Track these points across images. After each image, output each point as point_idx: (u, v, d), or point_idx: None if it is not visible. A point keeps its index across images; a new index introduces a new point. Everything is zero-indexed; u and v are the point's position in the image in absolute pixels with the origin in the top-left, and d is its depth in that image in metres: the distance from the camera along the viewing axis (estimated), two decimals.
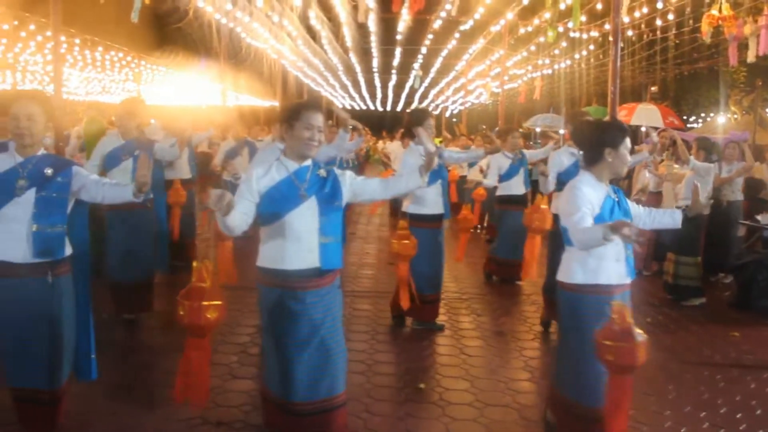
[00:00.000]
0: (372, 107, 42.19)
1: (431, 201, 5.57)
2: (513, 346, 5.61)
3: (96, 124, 6.63)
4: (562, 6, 10.06)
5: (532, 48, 16.68)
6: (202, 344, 3.15)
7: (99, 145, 5.46)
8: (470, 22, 14.50)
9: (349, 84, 29.30)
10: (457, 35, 16.83)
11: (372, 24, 13.99)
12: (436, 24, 14.88)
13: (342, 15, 13.96)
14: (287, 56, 19.44)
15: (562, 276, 3.54)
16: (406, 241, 5.34)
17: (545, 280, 5.87)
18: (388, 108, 42.20)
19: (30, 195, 3.39)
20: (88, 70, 21.63)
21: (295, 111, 3.26)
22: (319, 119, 3.26)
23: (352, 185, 3.42)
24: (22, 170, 3.41)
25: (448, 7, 11.78)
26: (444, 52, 20.08)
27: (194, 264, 3.11)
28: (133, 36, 21.09)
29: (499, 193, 7.89)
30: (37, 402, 3.52)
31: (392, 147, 11.30)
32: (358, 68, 24.02)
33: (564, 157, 5.61)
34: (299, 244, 3.20)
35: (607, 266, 3.38)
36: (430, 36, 17.47)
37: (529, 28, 14.09)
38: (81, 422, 3.90)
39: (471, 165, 11.74)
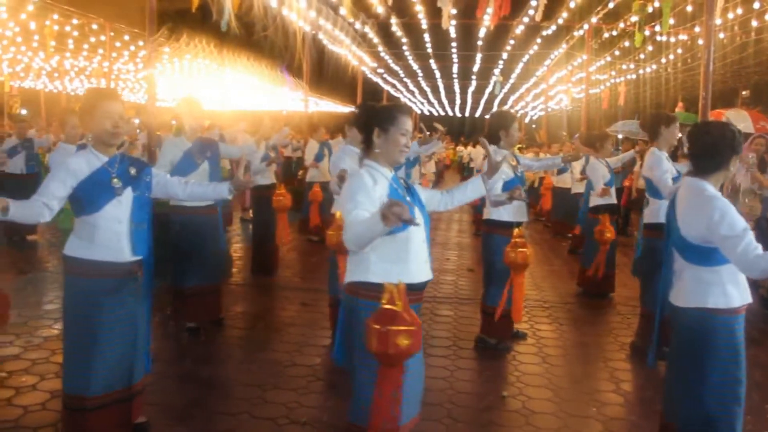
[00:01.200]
0: (450, 113, 42.09)
1: (512, 208, 5.43)
2: (598, 357, 5.49)
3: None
4: (650, 9, 9.83)
5: (616, 52, 16.31)
6: (393, 374, 2.78)
7: (165, 151, 5.34)
8: (553, 27, 14.31)
9: (428, 89, 29.33)
10: (538, 40, 16.65)
11: (453, 30, 14.02)
12: (518, 29, 14.75)
13: (424, 22, 14.07)
14: (368, 62, 19.69)
15: (695, 300, 3.12)
16: (524, 250, 5.10)
17: (647, 300, 5.41)
18: (467, 114, 42.02)
19: (128, 194, 3.46)
20: (175, 77, 22.41)
21: (391, 115, 3.09)
22: (410, 124, 3.14)
23: (423, 196, 3.33)
24: (111, 169, 3.44)
25: (531, 12, 11.69)
26: (525, 58, 19.86)
27: (386, 285, 2.73)
28: (218, 43, 21.73)
29: (594, 203, 7.57)
30: (117, 401, 3.51)
31: (475, 153, 11.20)
32: (438, 74, 24.02)
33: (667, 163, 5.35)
34: (419, 256, 3.06)
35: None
36: (512, 41, 17.32)
37: (614, 32, 13.80)
38: (160, 425, 4.01)
39: (560, 171, 11.58)
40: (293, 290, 7.27)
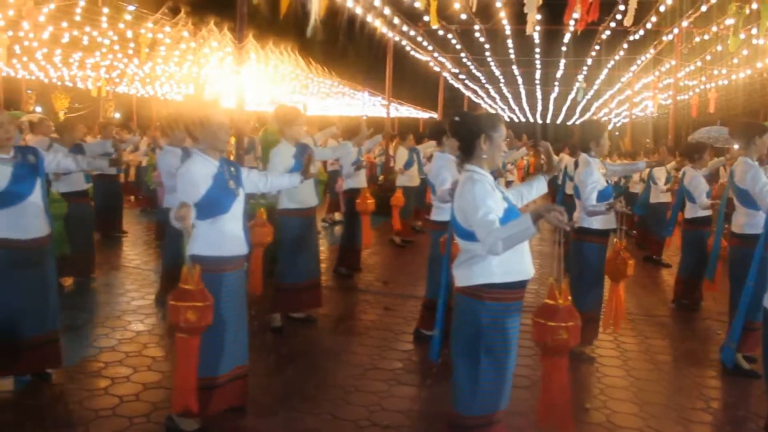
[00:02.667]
0: (531, 119, 41.58)
1: (602, 216, 5.36)
2: (686, 373, 5.31)
3: (273, 135, 7.00)
4: (747, 11, 9.46)
5: (708, 57, 15.75)
6: (560, 364, 3.11)
7: (276, 157, 5.56)
8: (641, 32, 13.97)
9: (509, 96, 29.07)
10: (625, 45, 16.26)
11: (537, 35, 13.85)
12: (604, 34, 14.45)
13: (507, 28, 13.97)
14: (449, 68, 19.68)
15: None
16: (630, 262, 5.17)
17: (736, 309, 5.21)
18: (548, 120, 41.42)
19: (242, 193, 3.82)
20: (260, 82, 22.96)
21: (496, 123, 3.31)
22: None
23: None
24: (225, 172, 3.75)
25: (618, 17, 11.45)
26: (610, 63, 19.42)
27: (550, 280, 3.11)
28: (303, 49, 22.16)
29: (690, 215, 7.31)
30: (237, 377, 3.92)
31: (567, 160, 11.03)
32: (520, 80, 23.78)
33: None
34: (527, 254, 3.29)
35: None
36: (597, 46, 16.99)
37: (706, 36, 13.35)
38: (251, 418, 4.11)
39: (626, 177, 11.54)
40: (375, 294, 7.34)
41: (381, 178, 15.23)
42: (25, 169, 4.16)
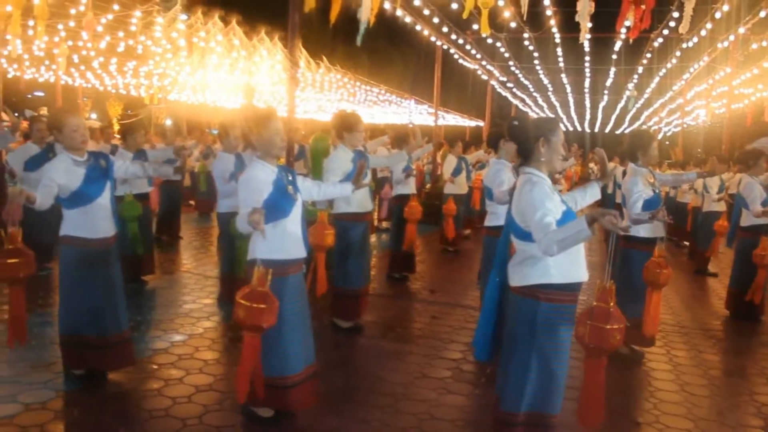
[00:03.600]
0: (579, 128, 41.09)
1: (649, 224, 5.32)
2: (742, 389, 5.17)
3: (323, 142, 7.07)
4: None
5: (765, 64, 15.35)
6: (600, 365, 3.18)
7: (336, 161, 5.68)
8: (694, 39, 13.70)
9: (557, 104, 28.79)
10: (677, 53, 15.96)
11: (587, 43, 13.70)
12: (657, 42, 14.21)
13: (557, 36, 13.86)
14: (497, 76, 19.58)
15: None
16: (665, 271, 5.15)
17: None
18: (596, 129, 40.88)
19: (300, 198, 3.92)
20: (308, 91, 23.19)
21: (554, 126, 3.41)
22: None
23: None
24: (284, 178, 3.86)
25: (672, 24, 11.26)
26: (662, 71, 19.08)
27: (601, 284, 3.17)
28: (351, 58, 22.35)
29: (745, 222, 7.19)
30: (308, 378, 3.99)
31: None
32: (569, 88, 23.53)
33: None
34: (582, 256, 3.35)
35: None
36: (648, 54, 16.72)
37: (764, 43, 13.01)
38: (301, 422, 4.15)
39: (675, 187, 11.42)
40: (423, 302, 7.33)
41: (428, 186, 15.23)
42: (96, 172, 4.42)
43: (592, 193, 3.95)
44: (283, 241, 3.80)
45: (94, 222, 4.38)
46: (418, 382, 4.86)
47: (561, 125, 3.47)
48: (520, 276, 3.33)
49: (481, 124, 30.39)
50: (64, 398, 4.30)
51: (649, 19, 7.60)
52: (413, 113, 27.09)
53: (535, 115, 31.38)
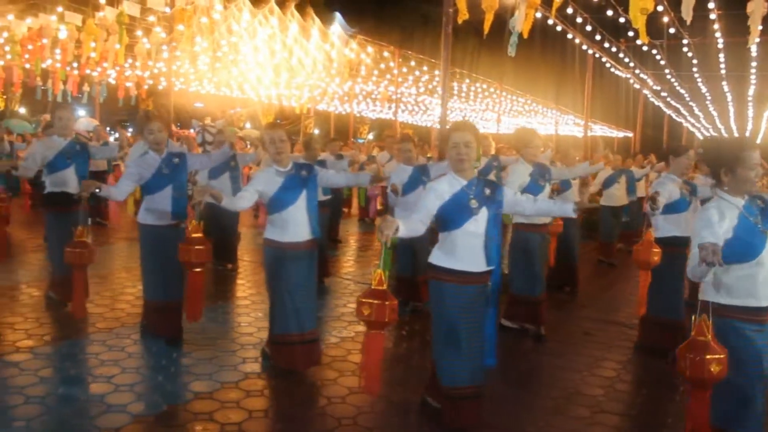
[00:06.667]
0: None
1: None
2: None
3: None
4: None
5: None
6: (704, 396, 3.24)
7: (515, 174, 5.84)
8: None
9: (716, 114, 27.19)
10: None
11: (754, 48, 12.81)
12: None
13: (720, 41, 13.08)
14: (650, 85, 18.75)
15: None
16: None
17: None
18: (758, 141, 38.17)
19: (484, 212, 3.86)
20: (453, 100, 23.30)
21: (737, 156, 3.41)
22: (758, 156, 3.44)
23: None
24: (470, 191, 3.86)
25: None
26: None
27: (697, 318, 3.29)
28: (496, 66, 22.23)
29: None
30: (467, 398, 3.96)
31: None
32: (729, 96, 22.14)
33: None
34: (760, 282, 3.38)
35: None
36: None
37: None
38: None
39: None
40: (574, 317, 7.13)
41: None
42: (294, 181, 4.78)
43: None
44: (454, 251, 3.86)
45: (288, 226, 4.75)
46: (573, 398, 4.73)
47: (751, 149, 3.41)
48: (706, 291, 3.46)
49: (630, 134, 29.22)
50: (251, 380, 4.76)
51: None
52: (560, 123, 26.53)
53: (689, 126, 29.78)
